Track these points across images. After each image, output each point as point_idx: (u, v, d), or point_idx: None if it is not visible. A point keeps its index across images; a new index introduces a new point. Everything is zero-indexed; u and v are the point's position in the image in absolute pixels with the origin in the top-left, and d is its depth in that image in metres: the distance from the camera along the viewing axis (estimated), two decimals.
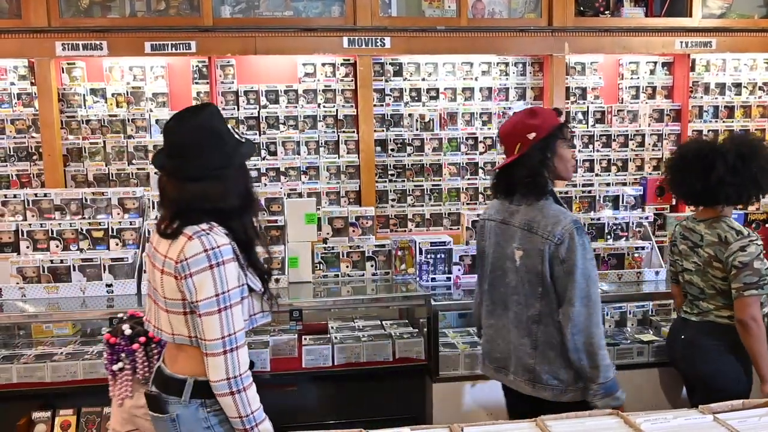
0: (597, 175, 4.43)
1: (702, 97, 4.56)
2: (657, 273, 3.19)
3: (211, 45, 3.96)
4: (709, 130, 4.55)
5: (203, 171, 1.69)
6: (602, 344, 2.07)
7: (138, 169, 4.08)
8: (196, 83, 4.16)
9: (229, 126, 1.77)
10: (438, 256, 3.20)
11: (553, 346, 2.13)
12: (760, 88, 4.63)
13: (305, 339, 3.03)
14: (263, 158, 4.19)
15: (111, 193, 3.22)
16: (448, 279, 3.22)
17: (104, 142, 4.08)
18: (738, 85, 4.61)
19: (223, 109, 4.17)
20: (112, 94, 4.14)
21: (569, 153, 2.18)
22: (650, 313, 3.30)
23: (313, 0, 4.20)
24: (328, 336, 3.08)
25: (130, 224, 3.14)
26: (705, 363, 2.49)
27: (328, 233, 3.31)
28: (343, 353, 2.92)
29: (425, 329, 3.01)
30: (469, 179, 4.36)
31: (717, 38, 4.29)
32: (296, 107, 4.24)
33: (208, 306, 1.64)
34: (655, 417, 1.72)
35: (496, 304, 2.28)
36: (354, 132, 4.25)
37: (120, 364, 2.12)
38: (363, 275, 3.30)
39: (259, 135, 4.20)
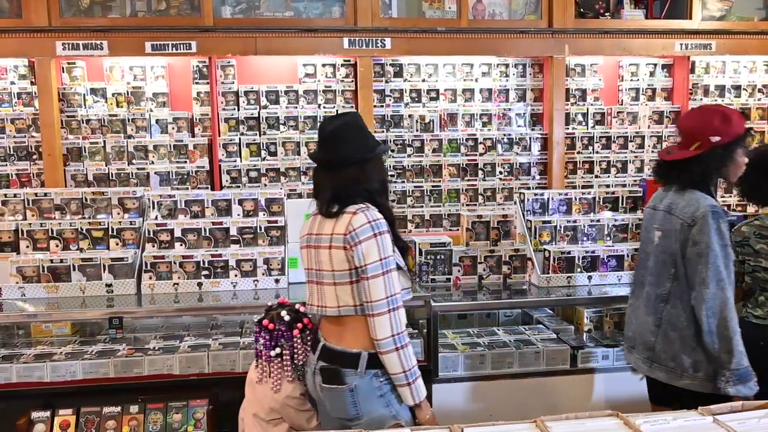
0: (596, 176, 4.44)
1: (701, 99, 4.57)
2: None
3: (212, 45, 3.97)
4: None
5: (348, 158, 1.97)
6: (737, 329, 2.08)
7: (138, 168, 4.08)
8: (197, 83, 4.16)
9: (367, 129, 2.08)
10: (438, 257, 3.20)
11: (676, 327, 2.17)
12: (760, 91, 4.64)
13: None
14: (263, 158, 4.20)
15: (111, 192, 3.22)
16: (448, 280, 3.21)
17: (104, 141, 4.08)
18: (737, 88, 4.62)
19: (223, 109, 4.18)
20: (113, 94, 4.14)
21: (743, 160, 2.23)
22: None
23: (313, 1, 4.21)
24: None
25: (130, 224, 3.14)
26: None
27: None
28: None
29: (425, 330, 3.00)
30: (468, 180, 4.36)
31: (716, 40, 4.30)
32: (296, 108, 4.25)
33: (374, 269, 1.89)
34: (655, 418, 1.72)
35: (636, 284, 2.38)
36: None
37: (278, 350, 2.17)
38: None
39: (259, 135, 4.21)
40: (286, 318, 2.18)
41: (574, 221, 3.27)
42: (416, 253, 3.23)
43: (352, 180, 1.97)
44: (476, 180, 4.37)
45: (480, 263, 3.23)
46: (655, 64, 4.54)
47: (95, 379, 2.75)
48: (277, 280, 3.09)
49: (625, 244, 3.26)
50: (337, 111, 4.26)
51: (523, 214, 3.29)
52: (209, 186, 4.11)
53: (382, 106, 4.29)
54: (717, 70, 4.60)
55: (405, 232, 4.30)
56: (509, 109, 4.40)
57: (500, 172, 4.38)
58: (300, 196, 4.18)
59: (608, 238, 3.27)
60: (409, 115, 4.33)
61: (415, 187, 4.33)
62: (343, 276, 1.95)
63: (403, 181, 4.32)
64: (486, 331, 3.22)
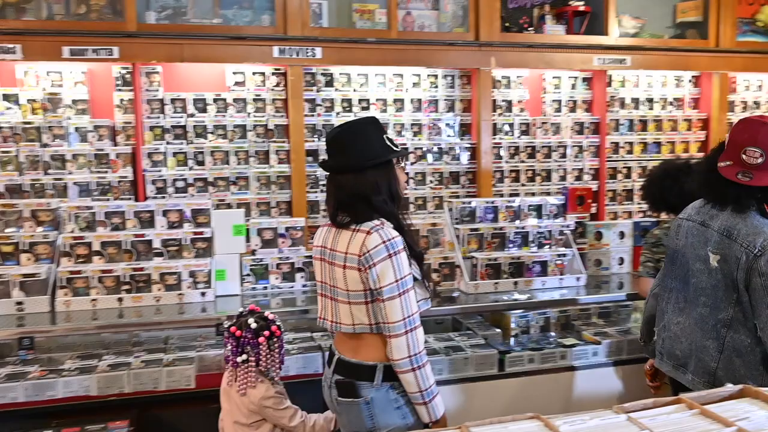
0: (523, 185, 4.58)
1: (618, 111, 4.80)
2: (578, 279, 3.31)
3: (136, 51, 3.83)
4: (625, 142, 4.80)
5: (344, 165, 1.93)
6: None
7: (55, 179, 3.88)
8: (119, 90, 4.01)
9: (385, 135, 1.99)
10: None
11: (741, 354, 2.10)
12: (671, 104, 4.92)
13: None
14: (190, 168, 4.08)
15: (22, 204, 3.04)
16: None
17: (17, 150, 3.85)
18: (651, 100, 4.88)
19: (148, 117, 4.04)
20: (27, 101, 3.92)
21: None
22: (572, 318, 3.42)
23: (242, 8, 4.15)
24: None
25: (44, 238, 2.98)
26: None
27: (256, 245, 3.25)
28: None
29: None
30: None
31: (631, 56, 4.53)
32: (225, 116, 4.16)
33: (390, 291, 1.86)
34: (573, 419, 1.77)
35: (686, 301, 2.26)
36: (285, 142, 4.21)
37: (244, 356, 2.22)
38: (293, 287, 3.26)
39: (186, 144, 4.09)
40: (253, 326, 2.22)
41: (501, 228, 3.35)
42: None
43: (350, 187, 1.91)
44: (407, 189, 4.41)
45: None
46: (576, 77, 4.73)
47: (3, 404, 2.58)
48: (203, 294, 3.01)
49: (548, 250, 3.37)
50: (267, 120, 4.21)
51: (452, 222, 3.35)
52: (133, 197, 3.96)
53: (313, 116, 4.27)
54: (632, 84, 4.85)
55: None
56: (439, 120, 4.48)
57: (431, 181, 4.44)
58: (229, 206, 4.09)
59: (533, 245, 3.37)
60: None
61: None
62: (358, 296, 1.92)
63: None
64: None
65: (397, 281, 1.86)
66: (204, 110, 4.13)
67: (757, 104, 5.14)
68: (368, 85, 4.38)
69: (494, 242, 3.32)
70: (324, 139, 4.27)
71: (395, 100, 4.41)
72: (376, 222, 1.90)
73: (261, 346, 2.22)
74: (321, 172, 4.28)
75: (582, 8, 4.53)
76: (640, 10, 4.80)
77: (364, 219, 1.91)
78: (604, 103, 4.68)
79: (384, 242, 1.85)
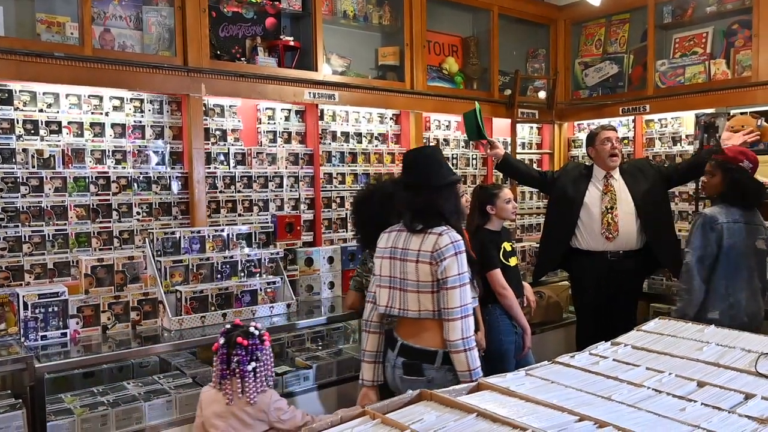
0: (240, 215, 4.50)
1: (330, 143, 5.06)
2: (289, 306, 3.34)
3: None
4: (337, 173, 5.07)
5: (426, 183, 2.41)
6: None
7: None
8: None
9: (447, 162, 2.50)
10: (50, 309, 2.76)
11: None
12: (376, 138, 5.38)
13: None
14: None
15: None
16: (64, 335, 2.80)
17: None
18: (359, 134, 5.26)
19: None
20: None
21: None
22: (287, 345, 3.43)
23: None
24: None
25: None
26: None
27: None
28: None
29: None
30: (101, 222, 3.95)
31: (339, 92, 4.83)
32: None
33: (453, 282, 2.32)
34: None
35: (743, 279, 3.19)
36: None
37: (254, 364, 2.37)
38: None
39: None
40: (256, 332, 2.41)
41: (208, 259, 3.21)
42: (20, 308, 2.74)
43: (429, 202, 2.39)
44: (110, 222, 3.99)
45: (104, 312, 2.92)
46: (290, 110, 4.86)
47: None
48: None
49: (258, 279, 3.34)
50: None
51: (153, 255, 3.10)
52: None
53: None
54: (342, 119, 5.17)
55: (22, 284, 3.65)
56: (146, 147, 4.17)
57: (138, 213, 4.09)
58: None
59: (242, 274, 3.30)
60: (24, 150, 3.73)
61: (33, 231, 3.73)
62: (426, 286, 2.37)
63: (17, 226, 3.68)
64: (114, 387, 2.90)
65: (459, 274, 2.33)
66: None
67: (447, 141, 5.92)
68: (59, 105, 3.88)
69: (201, 274, 3.17)
70: None
71: (93, 124, 3.98)
72: (444, 227, 2.38)
73: (267, 350, 2.42)
74: None
75: (292, 43, 4.69)
76: (347, 51, 5.18)
77: (434, 225, 2.38)
78: (317, 135, 4.88)
79: (452, 243, 2.34)
